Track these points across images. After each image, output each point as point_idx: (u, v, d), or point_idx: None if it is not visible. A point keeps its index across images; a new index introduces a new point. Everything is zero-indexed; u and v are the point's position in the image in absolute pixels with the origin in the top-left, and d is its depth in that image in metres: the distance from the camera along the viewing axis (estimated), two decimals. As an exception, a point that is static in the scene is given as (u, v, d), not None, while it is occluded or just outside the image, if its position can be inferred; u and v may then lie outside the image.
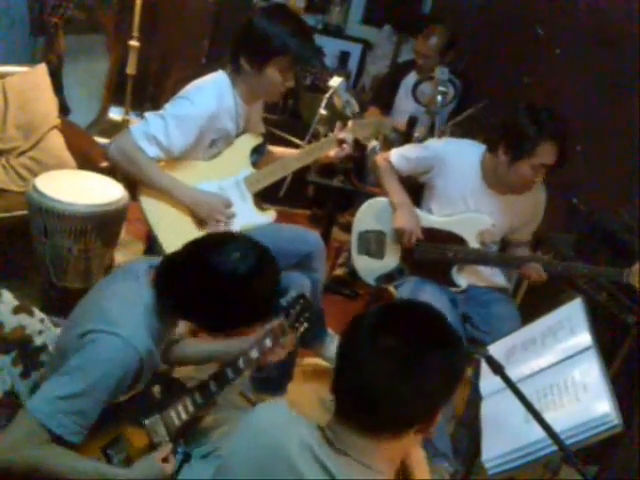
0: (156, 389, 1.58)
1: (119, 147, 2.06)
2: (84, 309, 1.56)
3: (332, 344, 2.68)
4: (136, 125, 2.09)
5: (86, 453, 1.45)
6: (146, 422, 1.54)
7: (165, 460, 1.51)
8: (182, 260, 1.54)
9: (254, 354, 1.72)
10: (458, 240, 2.42)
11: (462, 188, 2.40)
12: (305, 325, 1.83)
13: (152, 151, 2.06)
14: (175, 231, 2.13)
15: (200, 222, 2.20)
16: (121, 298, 1.51)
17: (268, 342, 1.73)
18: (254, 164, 2.34)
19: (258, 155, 2.38)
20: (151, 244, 2.28)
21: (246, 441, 1.19)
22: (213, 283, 1.47)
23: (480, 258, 2.42)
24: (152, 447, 1.54)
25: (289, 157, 2.40)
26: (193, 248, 1.55)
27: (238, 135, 2.30)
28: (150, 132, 2.05)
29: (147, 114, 2.10)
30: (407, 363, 1.07)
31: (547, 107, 2.24)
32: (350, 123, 2.49)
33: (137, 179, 2.13)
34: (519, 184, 2.30)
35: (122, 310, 1.47)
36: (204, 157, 2.23)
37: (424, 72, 3.37)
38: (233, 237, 1.57)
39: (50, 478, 1.38)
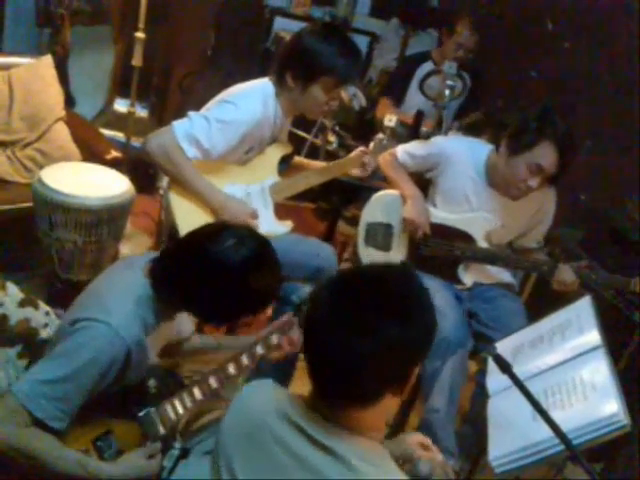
0: (152, 383, 1.57)
1: (159, 143, 2.05)
2: (81, 299, 1.57)
3: None
4: (179, 123, 2.06)
5: (76, 444, 1.45)
6: (140, 415, 1.54)
7: (152, 457, 1.50)
8: (179, 248, 1.55)
9: (259, 350, 1.70)
10: (467, 238, 2.39)
11: (465, 186, 2.37)
12: None
13: (192, 152, 2.05)
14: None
15: None
16: (116, 289, 1.51)
17: (275, 339, 1.71)
18: (280, 173, 2.34)
19: (285, 165, 2.39)
20: (160, 239, 2.27)
21: (234, 418, 1.24)
22: (206, 271, 1.46)
23: (489, 257, 2.38)
24: (145, 441, 1.53)
25: (313, 171, 2.43)
26: (191, 236, 1.55)
27: (269, 144, 2.29)
28: (193, 133, 2.03)
29: (191, 113, 2.09)
30: (364, 334, 1.04)
31: (562, 115, 2.17)
32: (372, 145, 2.50)
33: (171, 176, 2.13)
34: (513, 184, 2.23)
35: (116, 300, 1.47)
36: (238, 161, 2.23)
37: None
38: (232, 227, 1.55)
39: (31, 463, 1.38)
